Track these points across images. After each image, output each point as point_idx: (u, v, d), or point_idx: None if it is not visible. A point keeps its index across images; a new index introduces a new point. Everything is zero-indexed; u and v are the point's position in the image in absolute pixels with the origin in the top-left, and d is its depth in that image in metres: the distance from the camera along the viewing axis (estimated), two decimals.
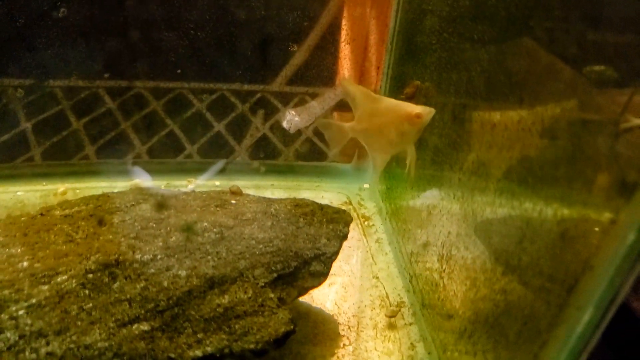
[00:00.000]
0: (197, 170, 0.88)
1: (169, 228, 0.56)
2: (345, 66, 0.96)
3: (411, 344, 0.58)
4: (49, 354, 0.44)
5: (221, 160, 0.92)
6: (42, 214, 0.58)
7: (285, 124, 1.02)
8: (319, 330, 0.59)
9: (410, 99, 0.64)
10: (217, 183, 0.86)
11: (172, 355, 0.47)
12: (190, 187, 0.85)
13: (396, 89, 0.80)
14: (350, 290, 0.66)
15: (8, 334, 0.44)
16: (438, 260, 0.56)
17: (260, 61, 0.98)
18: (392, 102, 0.57)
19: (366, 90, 0.60)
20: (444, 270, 0.54)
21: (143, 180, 0.88)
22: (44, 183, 0.81)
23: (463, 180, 0.51)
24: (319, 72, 0.96)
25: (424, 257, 0.61)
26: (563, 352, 0.37)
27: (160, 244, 0.54)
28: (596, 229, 0.34)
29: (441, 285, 0.55)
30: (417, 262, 0.63)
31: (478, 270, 0.47)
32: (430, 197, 0.60)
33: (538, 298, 0.39)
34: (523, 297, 0.41)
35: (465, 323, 0.50)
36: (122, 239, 0.54)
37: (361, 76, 0.96)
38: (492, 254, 0.45)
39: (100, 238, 0.54)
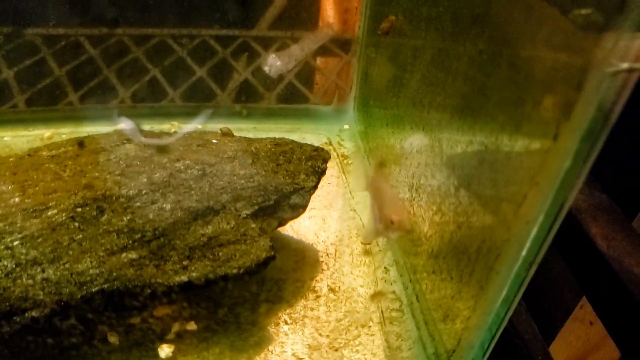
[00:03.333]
0: (180, 114, 0.89)
1: (152, 165, 0.59)
2: (328, 7, 0.96)
3: (385, 267, 0.62)
4: (44, 279, 0.47)
5: (206, 109, 0.93)
6: (29, 155, 0.60)
7: (266, 68, 1.03)
8: (299, 258, 0.63)
9: (385, 34, 0.65)
10: (199, 126, 0.88)
11: (160, 280, 0.51)
12: (174, 130, 0.87)
13: (373, 29, 0.81)
14: (329, 221, 0.69)
15: (5, 262, 0.47)
16: (409, 189, 0.59)
17: (241, 5, 0.98)
18: (388, 194, 0.53)
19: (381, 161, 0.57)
20: (414, 199, 0.58)
21: (128, 126, 0.89)
22: (30, 129, 0.83)
23: (431, 112, 0.54)
24: (300, 13, 0.96)
25: (397, 188, 0.64)
26: (515, 264, 0.41)
27: (145, 180, 0.56)
28: (541, 151, 0.36)
29: (412, 212, 0.59)
30: None
31: (443, 196, 0.50)
32: (402, 131, 0.63)
33: (494, 216, 0.43)
34: (482, 217, 0.44)
35: (432, 245, 0.53)
36: (108, 176, 0.56)
37: (342, 17, 0.96)
38: (455, 179, 0.48)
39: (87, 175, 0.56)
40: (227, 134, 0.72)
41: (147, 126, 0.87)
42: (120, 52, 0.99)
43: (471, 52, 0.45)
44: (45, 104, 0.89)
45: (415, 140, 0.59)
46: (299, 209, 0.62)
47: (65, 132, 0.83)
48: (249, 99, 0.95)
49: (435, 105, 0.53)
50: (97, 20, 0.95)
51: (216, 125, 0.88)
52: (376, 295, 0.58)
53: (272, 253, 0.55)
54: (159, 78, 0.95)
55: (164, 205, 0.55)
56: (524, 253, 0.40)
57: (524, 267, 0.41)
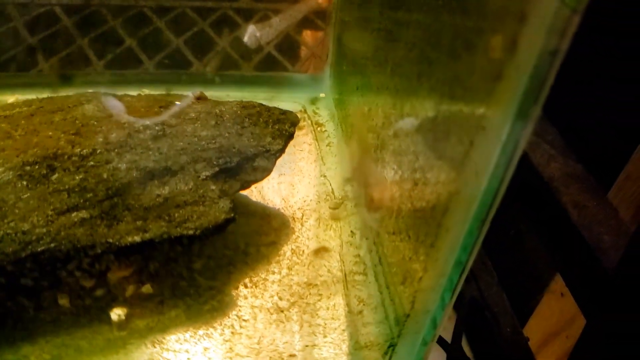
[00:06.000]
0: (152, 81, 0.87)
1: (110, 125, 0.57)
2: None
3: (351, 231, 0.61)
4: None
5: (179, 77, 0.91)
6: None
7: (246, 39, 1.01)
8: (264, 222, 0.62)
9: None
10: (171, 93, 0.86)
11: (111, 240, 0.49)
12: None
13: None
14: (298, 187, 0.68)
15: None
16: (374, 150, 0.58)
17: None
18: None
19: None
20: (378, 160, 0.56)
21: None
22: None
23: (394, 69, 0.52)
24: None
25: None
26: (466, 220, 0.39)
27: (101, 139, 0.55)
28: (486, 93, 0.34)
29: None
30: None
31: (402, 153, 0.49)
32: (369, 93, 0.61)
33: (445, 169, 0.41)
34: (436, 172, 0.43)
35: (392, 205, 0.52)
36: (62, 135, 0.54)
37: None
38: (413, 134, 0.46)
39: (40, 134, 0.54)
40: (200, 97, 0.70)
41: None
42: (97, 23, 0.97)
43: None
44: (14, 70, 0.87)
45: (380, 101, 0.57)
46: (263, 172, 0.60)
47: (32, 98, 0.81)
48: (223, 66, 0.93)
49: (397, 61, 0.51)
50: None
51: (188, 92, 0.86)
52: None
53: (232, 215, 0.54)
54: (134, 48, 0.93)
55: (119, 165, 0.53)
56: (474, 208, 0.38)
57: (475, 224, 0.39)
